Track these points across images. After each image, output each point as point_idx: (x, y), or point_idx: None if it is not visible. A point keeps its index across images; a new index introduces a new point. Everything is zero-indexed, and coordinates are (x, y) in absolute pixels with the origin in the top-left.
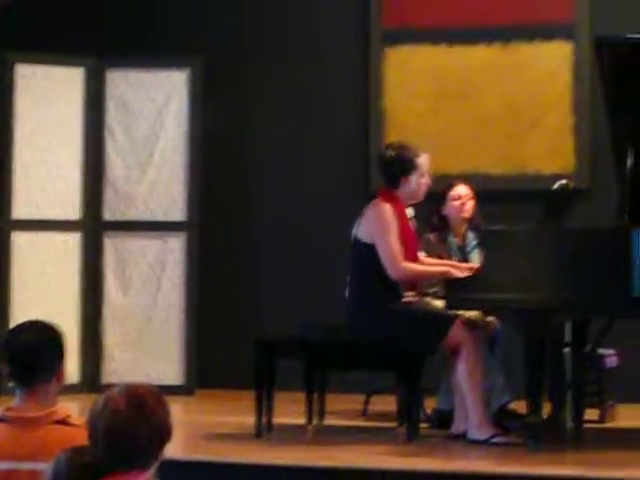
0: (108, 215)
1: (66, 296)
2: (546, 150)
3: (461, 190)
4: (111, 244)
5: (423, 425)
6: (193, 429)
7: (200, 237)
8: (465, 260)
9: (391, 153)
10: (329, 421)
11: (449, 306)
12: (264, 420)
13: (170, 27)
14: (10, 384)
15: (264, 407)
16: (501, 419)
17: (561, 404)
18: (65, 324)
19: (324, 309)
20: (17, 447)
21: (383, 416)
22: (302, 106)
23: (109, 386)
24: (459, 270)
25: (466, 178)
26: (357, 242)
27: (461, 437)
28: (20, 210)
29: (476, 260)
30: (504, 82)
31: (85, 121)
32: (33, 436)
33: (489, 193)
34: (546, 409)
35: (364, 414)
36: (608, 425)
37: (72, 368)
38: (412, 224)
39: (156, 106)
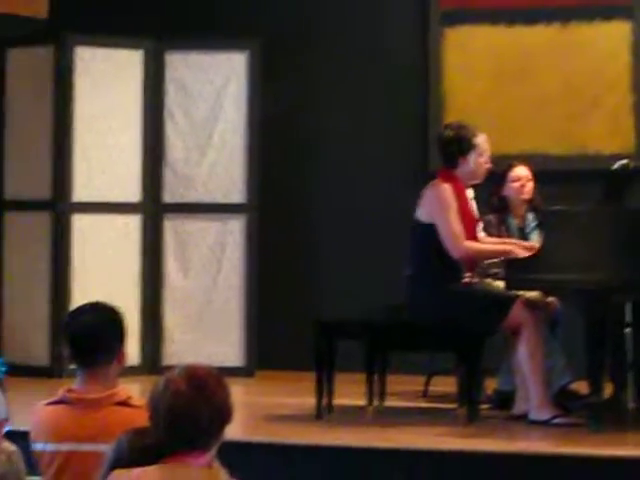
0: (168, 197)
1: (126, 279)
2: (606, 130)
3: (521, 171)
4: (171, 226)
5: (484, 406)
6: (253, 411)
7: (260, 219)
8: (525, 241)
9: (449, 133)
10: (389, 402)
11: (509, 287)
12: (324, 401)
13: (229, 9)
14: (71, 366)
15: (324, 388)
16: (562, 400)
17: (622, 384)
18: (125, 306)
19: (384, 290)
20: (78, 429)
21: (443, 397)
22: (361, 88)
23: (169, 368)
24: (520, 249)
25: (526, 158)
26: (417, 223)
27: (522, 418)
28: (80, 193)
29: (536, 241)
30: (563, 62)
31: (144, 104)
32: (94, 417)
33: (549, 173)
34: (607, 390)
35: (424, 395)
36: None
37: (133, 350)
38: (472, 205)
39: (215, 88)
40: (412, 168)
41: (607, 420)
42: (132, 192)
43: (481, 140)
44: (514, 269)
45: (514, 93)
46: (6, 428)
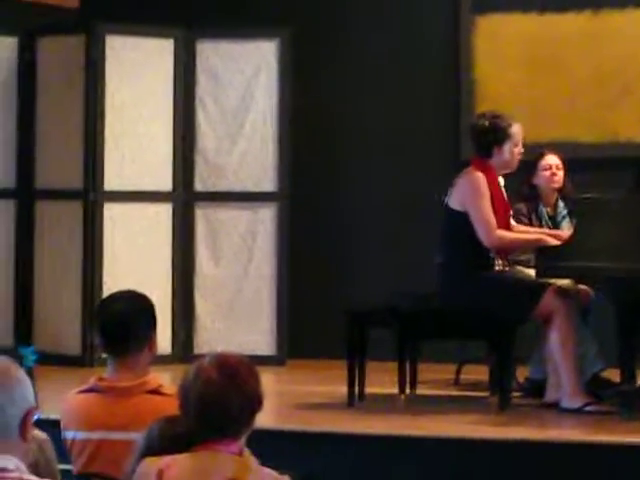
0: (199, 186)
1: (158, 267)
2: (637, 117)
3: (551, 160)
4: (202, 215)
5: (515, 394)
6: (285, 399)
7: (291, 207)
8: (556, 229)
9: (485, 122)
10: (421, 390)
11: (541, 274)
12: (356, 390)
13: None
14: (103, 355)
15: (356, 377)
16: (594, 388)
17: None
18: (157, 295)
19: (415, 278)
20: (109, 417)
21: (475, 385)
22: (392, 76)
23: (201, 357)
24: (552, 238)
25: (557, 147)
26: (449, 210)
27: (554, 406)
28: (112, 182)
29: (567, 229)
30: (595, 50)
31: (175, 92)
32: (125, 406)
33: (580, 161)
34: (639, 377)
35: (456, 383)
36: None
37: (164, 339)
38: (504, 194)
39: (246, 77)
40: (443, 156)
41: (639, 407)
42: (163, 181)
43: (516, 130)
44: (545, 257)
45: (545, 81)
46: (35, 416)
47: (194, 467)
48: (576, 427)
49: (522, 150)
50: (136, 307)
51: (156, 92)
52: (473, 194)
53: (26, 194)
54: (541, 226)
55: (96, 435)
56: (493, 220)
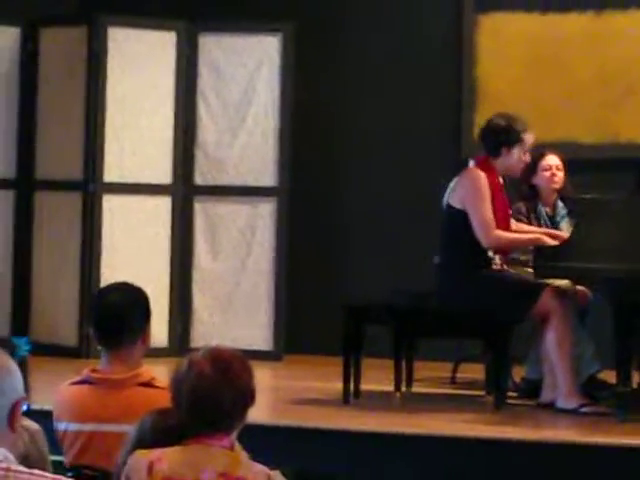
0: (199, 179)
1: (156, 260)
2: (639, 119)
3: (552, 160)
4: (201, 209)
5: (511, 394)
6: (281, 394)
7: (290, 203)
8: (555, 230)
9: (501, 122)
10: (417, 388)
11: (539, 275)
12: (352, 386)
13: None
14: (98, 347)
15: (352, 373)
16: (590, 389)
17: None
18: (155, 288)
19: (413, 276)
20: (101, 409)
21: (471, 384)
22: (394, 73)
23: (198, 350)
24: (550, 238)
25: (557, 147)
26: (449, 208)
27: (549, 406)
28: (111, 174)
29: (566, 230)
30: (597, 50)
31: (177, 85)
32: (117, 398)
33: (581, 161)
34: (636, 379)
35: (452, 382)
36: None
37: (161, 332)
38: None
39: (248, 71)
40: (444, 154)
41: (635, 409)
42: (163, 174)
43: (529, 137)
44: (544, 257)
45: (547, 80)
46: (24, 407)
47: (185, 460)
48: (571, 428)
49: (528, 159)
50: (130, 299)
51: (158, 85)
52: (473, 193)
53: (26, 185)
54: (540, 226)
55: (88, 427)
56: (492, 220)
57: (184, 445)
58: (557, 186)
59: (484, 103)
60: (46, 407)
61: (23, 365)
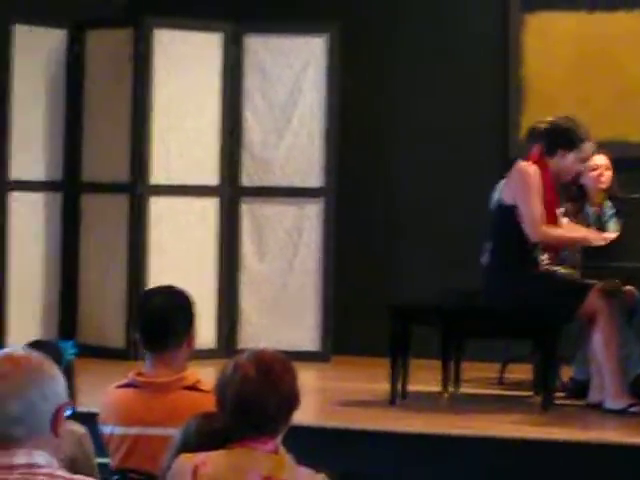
0: (245, 181)
1: (203, 262)
2: None
3: (599, 160)
4: (248, 210)
5: (559, 394)
6: (328, 396)
7: (337, 203)
8: (602, 229)
9: (566, 123)
10: (464, 389)
11: (586, 274)
12: (399, 387)
13: None
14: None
15: (399, 374)
16: (638, 389)
17: None
18: (202, 289)
19: (461, 276)
20: (147, 412)
21: (519, 384)
22: (441, 72)
23: (243, 353)
24: (598, 237)
25: (605, 146)
26: (500, 205)
27: (597, 407)
28: (158, 176)
29: (613, 229)
30: None
31: (223, 87)
32: (163, 401)
33: (629, 160)
34: None
35: (500, 382)
36: None
37: (208, 333)
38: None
39: (294, 72)
40: (491, 154)
41: None
42: (210, 175)
43: (587, 147)
44: (592, 257)
45: (594, 80)
46: (68, 411)
47: (229, 464)
48: (619, 428)
49: (582, 170)
50: (175, 303)
51: (204, 86)
52: (525, 187)
53: (73, 187)
54: (588, 226)
55: (133, 430)
56: (540, 215)
57: (229, 449)
58: (604, 186)
59: (531, 103)
60: (93, 410)
61: (69, 369)
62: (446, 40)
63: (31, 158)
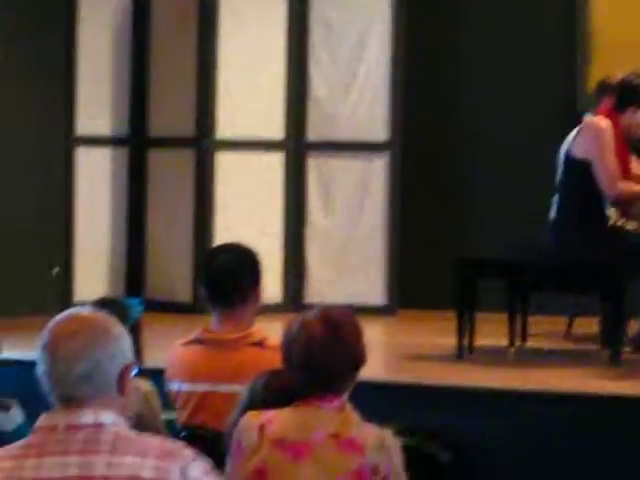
0: (311, 135)
1: (269, 216)
2: None
3: None
4: (314, 165)
5: (626, 349)
6: (394, 350)
7: (403, 157)
8: None
9: (636, 79)
10: (531, 343)
11: None
12: (465, 342)
13: None
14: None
15: (466, 328)
16: None
17: None
18: (268, 244)
19: (528, 230)
20: (213, 369)
21: (586, 339)
22: (508, 27)
23: (312, 306)
24: None
25: None
26: (570, 158)
27: None
28: (224, 131)
29: None
30: None
31: (288, 42)
32: (229, 358)
33: None
34: None
35: (567, 336)
36: None
37: (275, 288)
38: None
39: (360, 27)
40: (559, 107)
41: None
42: (275, 130)
43: None
44: None
45: None
46: (134, 371)
47: (296, 422)
48: None
49: None
50: (240, 260)
51: (269, 41)
52: (598, 142)
53: (139, 142)
54: None
55: (200, 387)
56: (616, 171)
57: (295, 407)
58: None
59: (599, 55)
60: (160, 365)
61: (136, 327)
62: None
63: (97, 113)
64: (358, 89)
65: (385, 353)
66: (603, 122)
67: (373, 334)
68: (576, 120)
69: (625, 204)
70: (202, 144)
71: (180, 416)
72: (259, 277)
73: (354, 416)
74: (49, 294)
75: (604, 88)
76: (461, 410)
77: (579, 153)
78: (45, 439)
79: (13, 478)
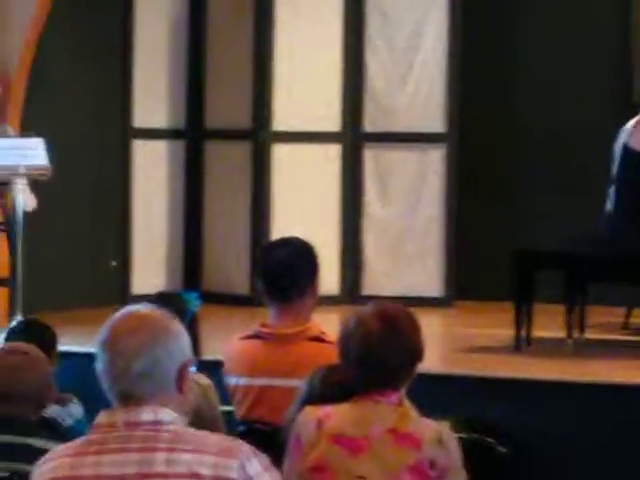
0: (368, 127)
1: (327, 208)
2: None
3: None
4: (371, 156)
5: None
6: (451, 342)
7: (460, 148)
8: None
9: None
10: (589, 334)
11: None
12: (523, 333)
13: None
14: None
15: (523, 320)
16: None
17: None
18: (325, 236)
19: (585, 220)
20: (271, 364)
21: None
22: (563, 16)
23: (369, 298)
24: None
25: None
26: (628, 151)
27: None
28: (280, 122)
29: None
30: None
31: (345, 32)
32: (287, 353)
33: None
34: None
35: (625, 327)
36: None
37: (332, 280)
38: None
39: (416, 17)
40: (615, 98)
41: None
42: (332, 121)
43: None
44: None
45: None
46: (192, 368)
47: (353, 417)
48: None
49: None
50: (298, 254)
51: (326, 32)
52: None
53: (196, 134)
54: None
55: (258, 381)
56: None
57: (353, 402)
58: None
59: None
60: (217, 357)
61: (193, 321)
62: None
63: (154, 105)
64: (414, 80)
65: (442, 345)
66: None
67: (430, 326)
68: (631, 112)
69: None
70: (259, 136)
71: (238, 410)
72: (316, 271)
73: (412, 411)
74: (107, 287)
75: None
76: (519, 402)
77: (637, 145)
78: (104, 436)
79: (73, 475)
